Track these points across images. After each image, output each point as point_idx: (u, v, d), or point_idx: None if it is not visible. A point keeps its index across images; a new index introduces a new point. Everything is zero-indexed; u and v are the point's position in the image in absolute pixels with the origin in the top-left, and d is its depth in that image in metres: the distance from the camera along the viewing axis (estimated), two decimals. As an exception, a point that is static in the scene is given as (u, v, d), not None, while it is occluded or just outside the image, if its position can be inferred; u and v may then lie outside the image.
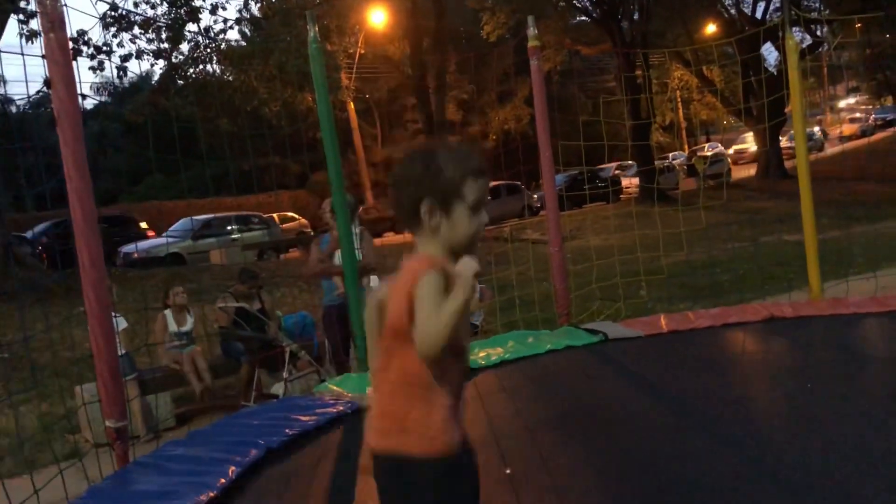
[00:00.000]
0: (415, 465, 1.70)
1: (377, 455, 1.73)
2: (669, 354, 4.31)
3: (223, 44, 19.11)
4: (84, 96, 3.55)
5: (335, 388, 3.99)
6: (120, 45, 17.16)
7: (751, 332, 4.58)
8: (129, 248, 17.87)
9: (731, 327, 4.69)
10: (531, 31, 5.80)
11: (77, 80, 3.31)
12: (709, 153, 34.79)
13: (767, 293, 8.44)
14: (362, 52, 27.72)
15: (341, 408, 3.58)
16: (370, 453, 1.75)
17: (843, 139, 41.67)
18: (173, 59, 18.98)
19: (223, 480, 2.68)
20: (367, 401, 1.87)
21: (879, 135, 38.18)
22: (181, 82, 20.30)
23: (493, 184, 26.32)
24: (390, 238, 23.44)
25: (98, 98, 36.24)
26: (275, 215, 23.84)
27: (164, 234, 20.12)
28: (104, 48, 15.91)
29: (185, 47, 18.70)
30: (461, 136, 30.30)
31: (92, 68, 16.44)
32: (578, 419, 3.19)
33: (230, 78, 21.58)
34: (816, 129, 40.90)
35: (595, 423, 3.15)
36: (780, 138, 28.84)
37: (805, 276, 5.59)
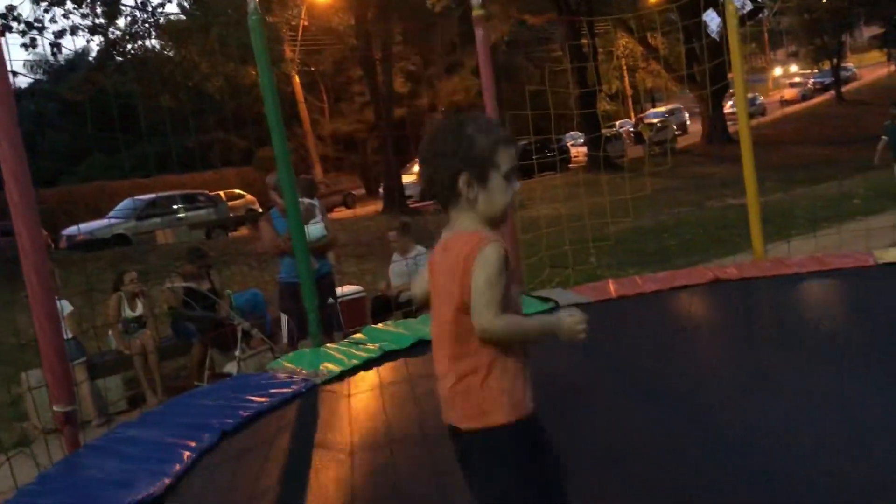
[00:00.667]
0: (504, 433, 1.76)
1: (464, 434, 1.78)
2: (619, 318, 4.39)
3: (162, 18, 18.61)
4: (16, 73, 3.42)
5: (289, 364, 3.97)
6: (53, 20, 16.60)
7: (697, 294, 4.68)
8: (71, 230, 17.43)
9: (678, 290, 4.79)
10: (476, 0, 5.76)
11: (7, 57, 3.19)
12: (655, 120, 35.23)
13: (713, 256, 8.64)
14: (305, 23, 27.24)
15: (296, 385, 3.57)
16: (453, 432, 1.81)
17: (784, 103, 42.60)
18: (110, 35, 18.42)
19: (178, 466, 2.65)
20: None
21: (818, 98, 39.10)
22: (119, 59, 19.72)
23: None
24: (341, 212, 23.30)
25: (32, 76, 35.05)
26: (221, 193, 23.46)
27: (107, 215, 19.63)
28: (36, 24, 15.39)
29: (121, 22, 18.17)
30: (410, 108, 30.10)
31: (24, 45, 15.89)
32: (533, 385, 3.24)
33: (170, 53, 21.05)
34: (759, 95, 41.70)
35: (547, 387, 3.19)
36: (724, 104, 29.29)
37: (749, 238, 5.73)
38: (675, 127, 32.36)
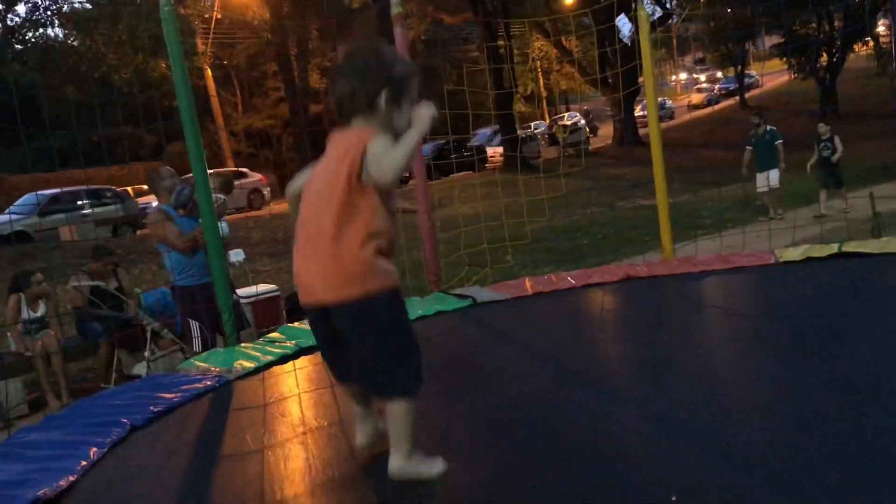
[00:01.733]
0: (380, 299, 2.01)
1: (340, 305, 2.00)
2: (535, 315, 4.47)
3: (65, 6, 17.87)
4: None
5: (201, 364, 3.88)
6: (-55, 4, 15.72)
7: (609, 291, 4.81)
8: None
9: (591, 287, 4.91)
10: (394, -3, 5.75)
11: None
12: (568, 122, 35.94)
13: (624, 255, 8.89)
14: (219, 16, 26.62)
15: (209, 382, 3.49)
16: (319, 308, 2.05)
17: (691, 108, 44.15)
18: (8, 22, 17.57)
19: (84, 463, 2.56)
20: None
21: (723, 103, 40.68)
22: (19, 47, 18.83)
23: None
24: (250, 212, 22.86)
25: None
26: (129, 189, 22.67)
27: (6, 211, 18.69)
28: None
29: (21, 8, 17.34)
30: (326, 105, 29.80)
31: (-86, 30, 14.99)
32: (453, 378, 3.26)
33: (75, 43, 20.22)
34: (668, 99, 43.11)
35: (470, 380, 3.23)
36: (635, 107, 30.13)
37: (658, 237, 5.92)
38: (588, 129, 33.11)
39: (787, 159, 11.37)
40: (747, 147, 11.67)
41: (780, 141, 11.32)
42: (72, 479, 2.45)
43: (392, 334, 2.06)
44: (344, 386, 2.34)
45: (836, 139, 11.14)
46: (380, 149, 1.98)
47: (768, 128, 11.52)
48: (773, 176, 11.20)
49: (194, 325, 5.08)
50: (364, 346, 2.04)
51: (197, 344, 5.03)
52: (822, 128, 11.49)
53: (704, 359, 3.18)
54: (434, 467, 2.14)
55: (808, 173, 11.35)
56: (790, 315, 3.72)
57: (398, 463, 2.11)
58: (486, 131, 30.95)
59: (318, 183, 2.10)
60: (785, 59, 31.23)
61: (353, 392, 2.30)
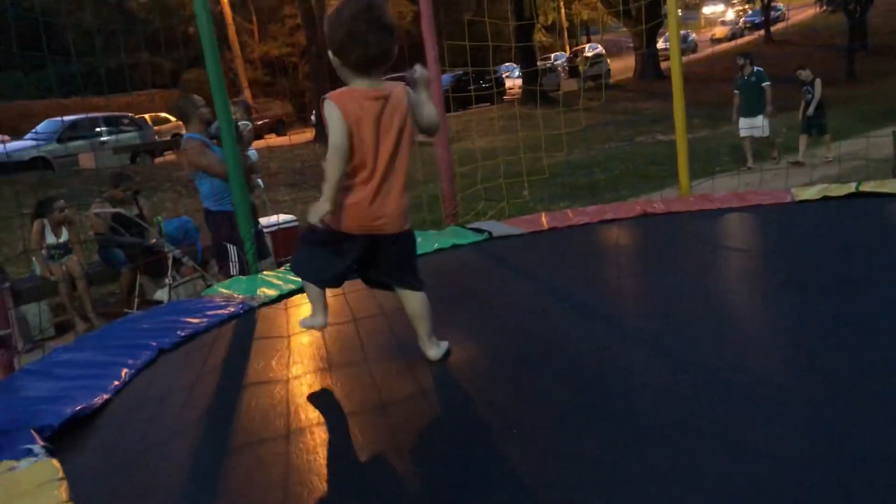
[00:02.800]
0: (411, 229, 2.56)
1: (406, 233, 2.50)
2: (550, 249, 4.52)
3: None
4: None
5: (225, 290, 3.98)
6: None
7: (625, 227, 4.85)
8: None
9: (607, 223, 4.95)
10: (415, -76, 5.64)
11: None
12: (589, 54, 35.30)
13: (641, 191, 8.89)
14: (235, -60, 26.11)
15: (233, 308, 3.59)
16: (389, 237, 2.46)
17: (714, 41, 43.17)
18: (24, -56, 17.31)
19: (116, 383, 2.69)
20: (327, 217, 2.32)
21: (747, 37, 39.73)
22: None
23: (377, 83, 25.89)
24: (273, 140, 22.82)
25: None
26: (147, 116, 22.66)
27: (26, 136, 18.78)
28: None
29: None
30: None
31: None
32: (467, 310, 3.35)
33: (90, -34, 19.95)
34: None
35: (484, 312, 3.31)
36: (657, 40, 29.53)
37: (676, 174, 5.92)
38: (608, 61, 32.54)
39: (781, 100, 11.11)
40: (734, 90, 11.20)
41: (768, 83, 10.82)
42: (105, 397, 2.57)
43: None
44: (324, 286, 2.63)
45: (817, 83, 10.75)
46: (433, 108, 2.53)
47: (755, 69, 11.02)
48: (760, 121, 10.79)
49: (232, 250, 5.17)
50: (410, 257, 2.59)
51: (234, 268, 5.14)
52: (803, 72, 11.07)
53: (718, 296, 3.24)
54: (445, 344, 2.71)
55: (801, 119, 11.03)
56: (805, 254, 3.76)
57: (436, 349, 2.67)
58: (510, 66, 30.50)
59: (389, 134, 2.38)
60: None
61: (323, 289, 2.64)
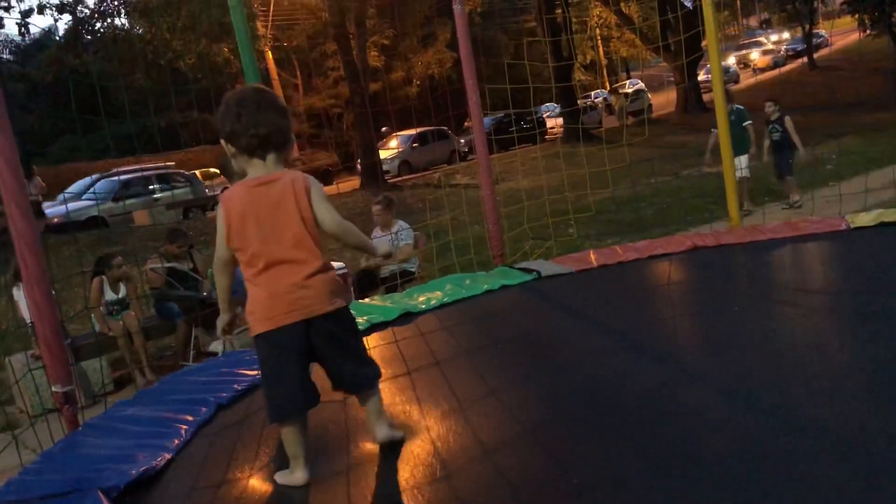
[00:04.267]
0: (347, 307, 2.42)
1: (339, 311, 2.34)
2: (600, 287, 4.49)
3: (131, -5, 18.35)
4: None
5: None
6: (19, -1, 16.29)
7: (676, 262, 4.79)
8: (48, 212, 17.25)
9: (658, 258, 4.89)
10: (453, -26, 5.75)
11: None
12: (629, 90, 35.28)
13: (690, 224, 8.78)
14: (277, -2, 26.93)
15: (286, 359, 3.62)
16: (321, 317, 2.30)
17: (756, 71, 42.78)
18: (78, 13, 18.13)
19: (177, 441, 2.72)
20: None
21: (790, 66, 39.32)
22: (89, 37, 19.43)
23: (420, 130, 26.14)
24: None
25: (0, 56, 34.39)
26: (197, 172, 23.23)
27: (83, 196, 19.40)
28: (3, 3, 15.11)
29: (90, 0, 17.86)
30: (384, 83, 29.92)
31: (-9, 26, 15.61)
32: (520, 352, 3.33)
33: (140, 31, 20.74)
34: (732, 61, 41.83)
35: (536, 354, 3.29)
36: (698, 72, 29.40)
37: (724, 206, 5.84)
38: (649, 96, 32.47)
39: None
40: (712, 130, 9.62)
41: (749, 122, 9.52)
42: (168, 457, 2.60)
43: (360, 334, 2.51)
44: (298, 416, 2.36)
45: (787, 120, 9.42)
46: (326, 199, 2.38)
47: (734, 107, 9.52)
48: (742, 163, 9.20)
49: None
50: (350, 338, 2.41)
51: None
52: (770, 107, 9.72)
53: (774, 331, 3.16)
54: (399, 433, 2.52)
55: (765, 158, 9.69)
56: (864, 283, 3.66)
57: (387, 431, 2.47)
58: (551, 105, 30.68)
59: (281, 218, 2.30)
60: (856, 15, 29.90)
61: (301, 421, 2.37)
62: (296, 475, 2.35)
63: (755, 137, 9.45)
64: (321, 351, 2.33)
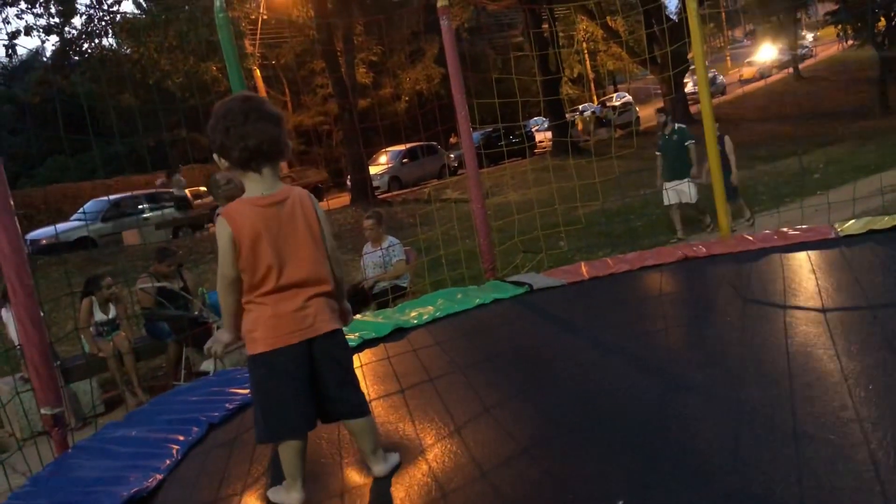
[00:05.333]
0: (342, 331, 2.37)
1: (339, 332, 2.32)
2: (592, 299, 4.49)
3: (118, 16, 18.34)
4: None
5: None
6: (6, 21, 16.29)
7: (667, 273, 4.80)
8: (36, 234, 17.17)
9: (649, 269, 4.90)
10: (439, -10, 5.78)
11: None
12: (617, 103, 35.48)
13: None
14: (265, 17, 26.98)
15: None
16: (323, 337, 2.25)
17: (743, 82, 43.09)
18: (65, 35, 18.13)
19: (168, 462, 2.69)
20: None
21: (776, 76, 39.64)
22: (76, 58, 19.42)
23: (410, 146, 26.19)
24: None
25: (-14, 79, 34.36)
26: (186, 191, 23.17)
27: (72, 218, 19.33)
28: (-10, 25, 15.10)
29: (77, 21, 17.86)
30: (373, 99, 29.99)
31: (-23, 48, 15.61)
32: (514, 366, 3.32)
33: (128, 51, 20.75)
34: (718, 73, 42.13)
35: (530, 367, 3.28)
36: (685, 83, 29.57)
37: (714, 216, 5.86)
38: (637, 109, 32.64)
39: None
40: (656, 153, 9.21)
41: (692, 141, 8.72)
42: (159, 478, 2.58)
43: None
44: (302, 434, 2.31)
45: (727, 140, 8.56)
46: (325, 218, 2.37)
47: (676, 126, 9.01)
48: (686, 187, 8.75)
49: None
50: (347, 364, 2.36)
51: None
52: None
53: (767, 340, 3.16)
54: (394, 457, 2.49)
55: (705, 179, 8.31)
56: (855, 291, 3.67)
57: (383, 466, 2.43)
58: (538, 119, 30.84)
59: (293, 237, 2.25)
60: (839, 26, 30.19)
61: (303, 440, 2.32)
62: (292, 495, 2.31)
63: (697, 157, 8.62)
64: (322, 372, 2.26)
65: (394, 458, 2.48)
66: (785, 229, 5.48)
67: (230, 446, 2.90)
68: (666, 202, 9.02)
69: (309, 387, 2.26)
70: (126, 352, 6.78)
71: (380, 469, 2.41)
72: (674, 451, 2.19)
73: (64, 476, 2.60)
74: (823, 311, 3.47)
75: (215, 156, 2.25)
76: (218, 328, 6.24)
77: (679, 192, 8.73)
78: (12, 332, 6.04)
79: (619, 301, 4.38)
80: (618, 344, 3.41)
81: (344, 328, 2.39)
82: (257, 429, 2.27)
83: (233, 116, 2.19)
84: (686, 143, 8.71)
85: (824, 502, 1.78)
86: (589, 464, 2.22)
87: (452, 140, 28.71)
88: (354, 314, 5.53)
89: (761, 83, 37.71)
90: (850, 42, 31.50)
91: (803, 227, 5.50)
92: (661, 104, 29.44)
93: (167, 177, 20.41)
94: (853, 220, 5.20)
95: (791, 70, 38.55)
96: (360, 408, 2.35)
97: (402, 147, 26.03)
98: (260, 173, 2.23)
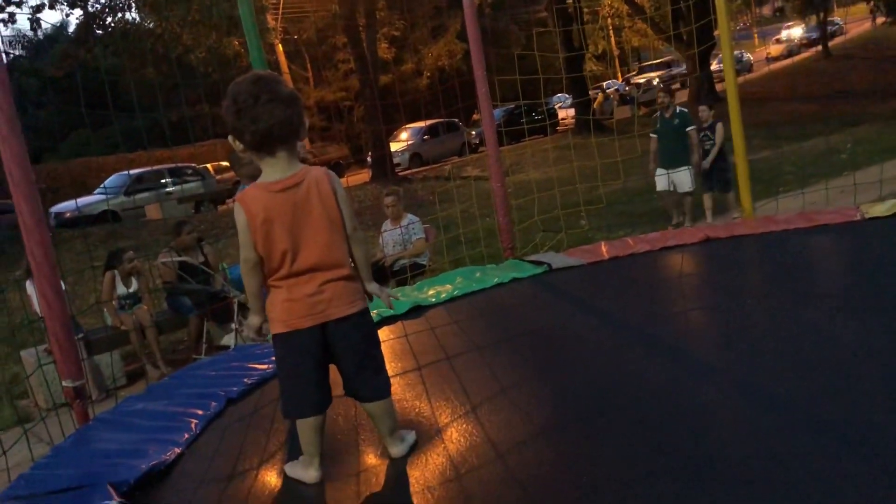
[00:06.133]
0: (367, 309, 2.36)
1: (357, 315, 2.28)
2: (612, 279, 4.45)
3: (142, -10, 18.38)
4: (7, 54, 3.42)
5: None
6: (31, -6, 16.36)
7: (688, 253, 4.75)
8: (60, 207, 17.36)
9: (669, 250, 4.86)
10: (461, -36, 5.71)
11: (-2, 36, 3.18)
12: (641, 80, 35.09)
13: (702, 215, 8.70)
14: (287, -9, 26.91)
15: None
16: (337, 322, 2.25)
17: (770, 60, 42.45)
18: (89, 8, 18.18)
19: (187, 435, 2.72)
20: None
21: (804, 54, 39.00)
22: (100, 32, 19.49)
23: (431, 122, 26.09)
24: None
25: (12, 52, 34.58)
26: (209, 166, 23.30)
27: (95, 191, 19.51)
28: (14, -1, 15.18)
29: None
30: (395, 75, 29.87)
31: (2, 21, 15.69)
32: (531, 347, 3.31)
33: (151, 25, 20.78)
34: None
35: (547, 348, 3.27)
36: (711, 62, 29.18)
37: (738, 196, 5.79)
38: (662, 86, 32.24)
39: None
40: (651, 135, 8.48)
41: (693, 127, 8.20)
42: (178, 451, 2.61)
43: (379, 341, 2.43)
44: (317, 413, 2.33)
45: (719, 127, 8.10)
46: (347, 200, 2.33)
47: (678, 109, 8.33)
48: (682, 178, 8.17)
49: None
50: (368, 346, 2.34)
51: None
52: (704, 112, 8.41)
53: (788, 323, 3.13)
54: (411, 436, 2.50)
55: (696, 171, 8.26)
56: (879, 274, 3.61)
57: (400, 447, 2.42)
58: (561, 96, 30.61)
59: (309, 221, 2.22)
60: (871, 2, 29.55)
61: (319, 419, 2.34)
62: (309, 472, 2.34)
63: (698, 146, 8.21)
64: (338, 355, 2.28)
65: (411, 436, 2.49)
66: (809, 211, 5.41)
67: (248, 420, 2.93)
68: (660, 188, 8.45)
69: (323, 369, 2.29)
70: (148, 325, 6.86)
71: (397, 450, 2.42)
72: (690, 435, 2.18)
73: (84, 448, 2.64)
74: (846, 294, 3.42)
75: (230, 137, 2.24)
76: (238, 303, 6.30)
77: (678, 180, 8.18)
78: (36, 305, 6.13)
79: (638, 282, 4.34)
80: (636, 325, 3.39)
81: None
82: (280, 403, 2.35)
83: (243, 99, 2.15)
84: (688, 130, 8.16)
85: (841, 490, 1.76)
86: (604, 447, 2.22)
87: (475, 117, 28.54)
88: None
89: (788, 61, 37.11)
90: (882, 19, 30.84)
91: (828, 209, 5.43)
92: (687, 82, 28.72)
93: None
94: (879, 202, 5.11)
95: (820, 48, 37.88)
96: (377, 392, 2.35)
97: (423, 124, 25.95)
98: (274, 156, 2.20)
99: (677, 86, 32.63)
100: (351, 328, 2.27)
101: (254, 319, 2.35)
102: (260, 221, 2.17)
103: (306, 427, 2.30)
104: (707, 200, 8.30)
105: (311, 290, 2.22)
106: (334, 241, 2.25)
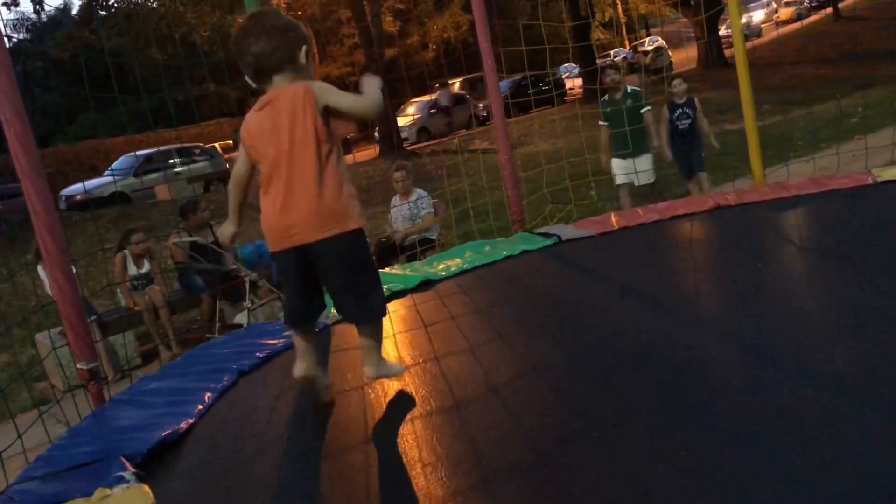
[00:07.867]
0: (359, 232, 2.32)
1: (337, 238, 2.24)
2: (622, 250, 4.44)
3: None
4: (9, 38, 3.42)
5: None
6: (33, -23, 16.31)
7: (698, 222, 4.73)
8: (70, 190, 17.43)
9: (679, 219, 4.83)
10: (464, -66, 5.64)
11: (0, 18, 3.18)
12: (650, 48, 34.71)
13: (713, 183, 8.65)
14: (290, -33, 26.67)
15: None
16: (298, 251, 2.27)
17: (779, 24, 41.87)
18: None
19: (200, 407, 2.76)
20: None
21: (814, 17, 38.44)
22: (103, 13, 19.42)
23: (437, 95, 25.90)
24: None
25: (16, 36, 34.52)
26: (217, 145, 23.30)
27: (105, 173, 19.55)
28: (17, -19, 15.12)
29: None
30: (400, 48, 29.68)
31: (6, 4, 15.66)
32: (543, 318, 3.31)
33: (154, 5, 20.69)
34: (754, 14, 40.94)
35: (559, 320, 3.27)
36: (719, 27, 28.84)
37: (748, 163, 5.75)
38: (670, 53, 31.90)
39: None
40: (600, 123, 7.06)
41: (649, 109, 6.81)
42: (190, 422, 2.65)
43: (371, 265, 2.43)
44: (297, 328, 2.49)
45: (696, 102, 7.12)
46: (343, 94, 2.32)
47: (630, 89, 6.88)
48: (644, 163, 6.84)
49: None
50: (346, 269, 2.31)
51: None
52: (678, 86, 7.11)
53: (799, 288, 3.13)
54: (395, 368, 2.63)
55: (662, 152, 7.01)
56: (891, 239, 3.59)
57: (373, 369, 2.53)
58: (568, 66, 30.36)
59: (280, 137, 2.24)
60: (882, -38, 29.06)
61: (301, 330, 2.48)
62: (297, 366, 2.50)
63: (657, 128, 6.99)
64: (321, 276, 2.36)
65: (394, 369, 2.61)
66: (820, 176, 5.37)
67: (259, 393, 2.96)
68: (619, 182, 7.06)
69: (304, 287, 2.39)
70: (160, 305, 6.91)
71: (368, 370, 2.53)
72: (697, 396, 2.18)
73: (100, 427, 2.67)
74: (858, 259, 3.40)
75: (245, 77, 2.36)
76: (250, 282, 6.33)
77: (637, 171, 6.82)
78: (48, 288, 6.18)
79: (649, 251, 4.33)
80: (648, 294, 3.39)
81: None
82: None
83: (239, 35, 2.31)
84: (642, 112, 6.76)
85: (850, 450, 1.76)
86: (616, 411, 2.22)
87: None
88: (382, 267, 5.59)
89: (797, 25, 36.63)
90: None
91: (839, 173, 5.38)
92: (693, 49, 28.42)
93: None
94: (891, 166, 5.06)
95: (830, 10, 37.33)
96: (355, 315, 2.43)
97: (429, 97, 25.80)
98: (272, 84, 2.32)
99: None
100: (329, 251, 2.27)
101: (226, 228, 2.56)
102: (245, 142, 2.34)
103: (296, 335, 2.48)
104: (694, 188, 7.25)
105: (283, 210, 2.25)
106: (307, 160, 2.23)
